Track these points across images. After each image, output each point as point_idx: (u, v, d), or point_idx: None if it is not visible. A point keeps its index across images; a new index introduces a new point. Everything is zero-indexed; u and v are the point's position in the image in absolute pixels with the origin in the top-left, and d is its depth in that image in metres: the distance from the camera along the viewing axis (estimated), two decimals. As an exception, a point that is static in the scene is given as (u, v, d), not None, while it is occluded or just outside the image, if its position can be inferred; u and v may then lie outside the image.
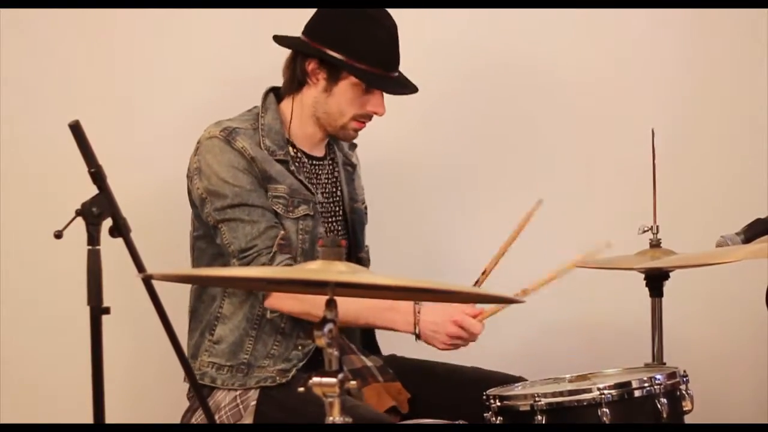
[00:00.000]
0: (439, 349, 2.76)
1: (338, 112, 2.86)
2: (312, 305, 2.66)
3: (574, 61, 3.64)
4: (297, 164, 2.89)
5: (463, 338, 2.73)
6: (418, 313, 2.75)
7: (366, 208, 3.09)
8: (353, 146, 3.11)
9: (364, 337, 3.01)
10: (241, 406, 2.79)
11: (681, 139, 3.62)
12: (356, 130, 2.90)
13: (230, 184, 2.78)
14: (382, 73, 2.84)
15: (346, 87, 2.84)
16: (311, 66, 2.85)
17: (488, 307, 2.74)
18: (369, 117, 2.89)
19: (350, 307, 2.73)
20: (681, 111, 3.68)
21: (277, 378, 2.79)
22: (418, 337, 2.76)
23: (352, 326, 2.88)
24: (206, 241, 2.87)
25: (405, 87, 2.90)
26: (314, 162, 2.94)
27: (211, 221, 2.81)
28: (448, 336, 2.72)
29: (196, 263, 2.90)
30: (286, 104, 2.91)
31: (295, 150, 2.90)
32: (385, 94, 2.87)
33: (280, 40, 2.90)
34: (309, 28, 2.87)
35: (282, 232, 2.79)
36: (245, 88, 3.05)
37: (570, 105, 3.64)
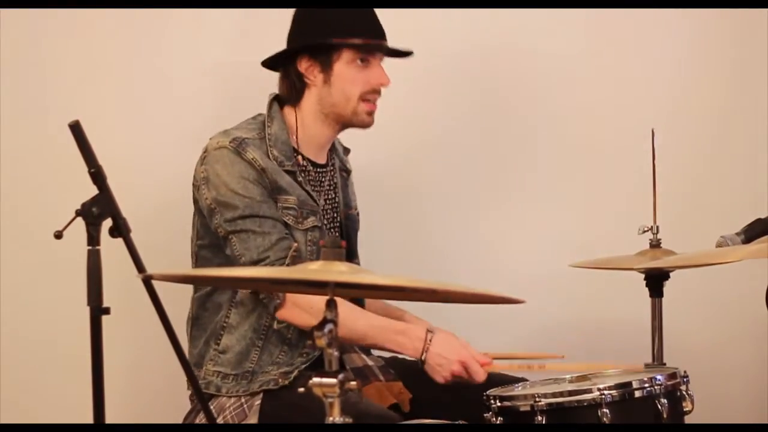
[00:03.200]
0: (437, 381, 2.74)
1: (344, 98, 2.86)
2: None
3: (574, 61, 3.63)
4: (304, 174, 2.88)
5: (464, 380, 2.73)
6: (429, 341, 2.73)
7: (358, 214, 3.09)
8: (347, 151, 3.12)
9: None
10: (245, 406, 2.79)
11: (681, 139, 3.62)
12: (369, 113, 2.88)
13: (241, 195, 2.77)
14: (371, 40, 2.85)
15: (342, 68, 2.84)
16: (303, 65, 2.86)
17: (498, 363, 2.74)
18: (376, 93, 2.88)
19: (358, 326, 2.74)
20: (681, 111, 3.68)
21: (280, 380, 2.78)
22: (422, 363, 2.75)
23: (355, 344, 2.86)
24: (212, 251, 2.86)
25: (399, 51, 2.91)
26: (318, 170, 2.94)
27: (222, 232, 2.79)
28: (450, 374, 2.72)
29: None
30: (289, 113, 2.91)
31: (301, 159, 2.90)
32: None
33: (267, 62, 2.91)
34: (289, 37, 2.90)
35: (295, 244, 2.78)
36: (246, 88, 3.06)
37: (570, 105, 3.63)
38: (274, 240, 2.76)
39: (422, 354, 2.73)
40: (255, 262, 2.74)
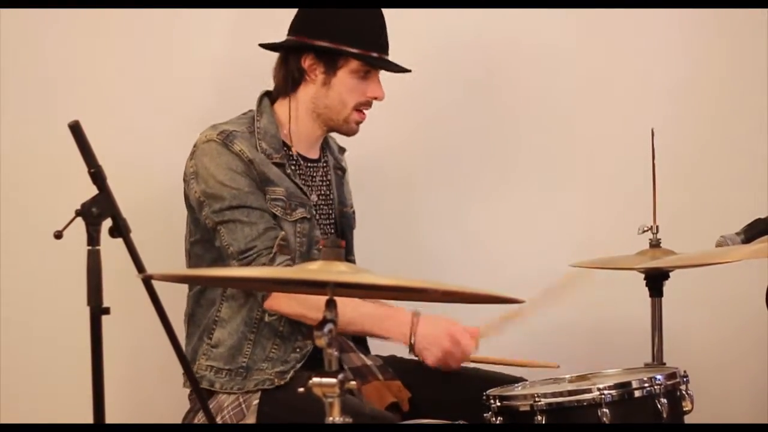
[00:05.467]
0: (428, 363, 2.74)
1: (340, 104, 2.88)
2: (309, 308, 2.68)
3: (574, 60, 3.63)
4: (293, 167, 2.90)
5: (455, 356, 2.72)
6: (416, 324, 2.74)
7: (354, 212, 3.10)
8: (342, 150, 3.13)
9: (356, 336, 3.00)
10: (243, 406, 2.79)
11: (681, 139, 3.62)
12: (358, 123, 2.92)
13: (228, 187, 2.78)
14: (379, 55, 2.87)
15: (344, 76, 2.86)
16: (307, 62, 2.86)
17: (486, 329, 2.74)
18: (369, 105, 2.91)
19: (345, 312, 2.72)
20: (681, 111, 3.68)
21: (276, 380, 2.79)
22: (411, 348, 2.75)
23: (343, 331, 2.85)
24: (203, 247, 2.87)
25: (400, 67, 2.93)
26: (309, 164, 2.95)
27: (210, 224, 2.81)
28: (442, 351, 2.71)
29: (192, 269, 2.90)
30: (280, 106, 2.92)
31: (291, 152, 2.90)
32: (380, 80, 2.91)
33: (268, 46, 2.92)
34: (296, 27, 2.90)
35: (282, 233, 2.79)
36: (245, 88, 3.05)
37: (570, 105, 3.63)
38: (262, 230, 2.77)
39: (410, 338, 2.73)
40: (242, 252, 2.76)
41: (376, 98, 2.90)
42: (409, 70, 2.95)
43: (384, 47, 2.89)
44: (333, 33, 2.84)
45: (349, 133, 2.94)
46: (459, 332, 2.72)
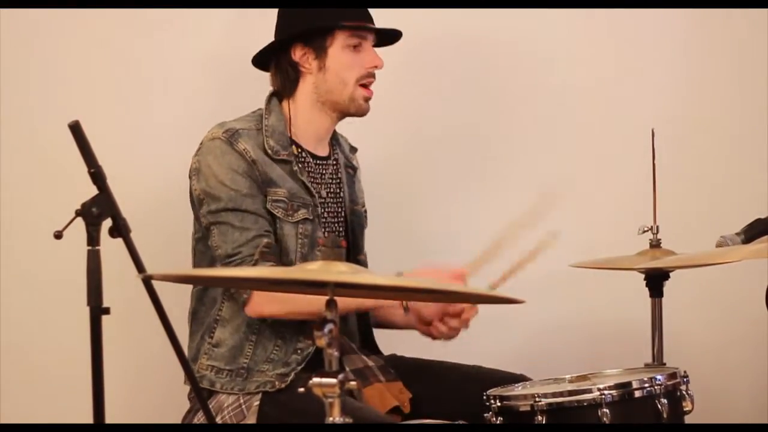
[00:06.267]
0: (429, 317, 2.74)
1: (340, 83, 2.86)
2: (295, 304, 2.64)
3: (574, 61, 3.64)
4: (301, 164, 2.89)
5: (457, 309, 2.72)
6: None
7: (366, 211, 3.09)
8: (354, 150, 3.12)
9: (364, 337, 3.01)
10: (244, 407, 2.78)
11: (681, 139, 3.62)
12: (366, 99, 2.88)
13: (227, 187, 2.78)
14: (362, 23, 2.87)
15: (336, 53, 2.85)
16: (298, 53, 2.87)
17: (472, 266, 2.73)
18: (371, 76, 2.89)
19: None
20: (681, 111, 3.68)
21: (276, 383, 2.78)
22: (406, 309, 2.75)
23: (345, 311, 2.85)
24: (205, 244, 2.86)
25: (388, 30, 2.93)
26: (318, 161, 2.94)
27: (205, 223, 2.81)
28: (436, 302, 2.71)
29: (196, 266, 2.89)
30: (286, 106, 2.91)
31: (299, 149, 2.90)
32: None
33: (258, 59, 2.93)
34: (277, 28, 2.91)
35: (266, 240, 2.78)
36: (247, 87, 3.05)
37: (570, 105, 3.63)
38: (251, 236, 2.76)
39: (403, 300, 2.73)
40: (228, 256, 2.76)
41: (375, 67, 2.88)
42: (399, 32, 2.94)
43: (369, 18, 2.89)
44: (314, 16, 2.85)
45: (359, 112, 2.90)
46: (445, 279, 2.70)
